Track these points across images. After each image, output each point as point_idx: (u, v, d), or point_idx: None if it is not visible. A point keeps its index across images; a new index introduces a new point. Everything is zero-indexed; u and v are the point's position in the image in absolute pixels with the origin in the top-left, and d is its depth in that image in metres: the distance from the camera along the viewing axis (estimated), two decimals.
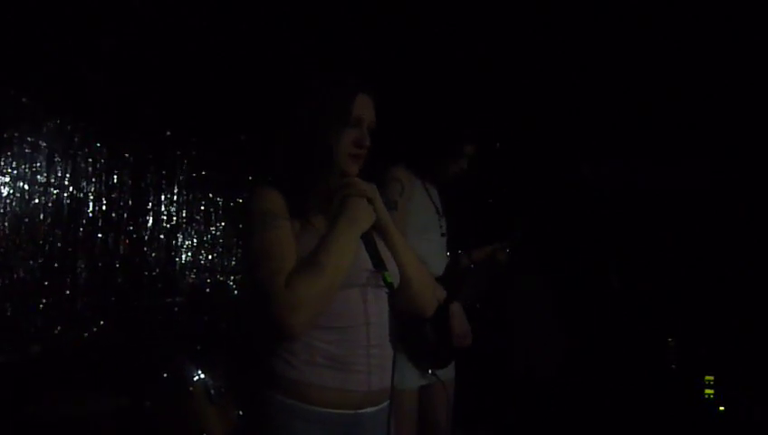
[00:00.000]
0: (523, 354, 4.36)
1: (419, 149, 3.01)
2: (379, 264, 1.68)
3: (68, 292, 3.53)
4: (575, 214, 3.38)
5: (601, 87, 4.00)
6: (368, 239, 1.71)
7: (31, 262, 3.42)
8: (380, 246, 1.75)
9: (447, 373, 2.95)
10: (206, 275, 4.01)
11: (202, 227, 4.03)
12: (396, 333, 1.72)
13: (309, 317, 1.56)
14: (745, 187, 3.73)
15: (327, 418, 1.61)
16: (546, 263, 3.97)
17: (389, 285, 1.66)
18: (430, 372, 2.82)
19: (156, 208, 3.87)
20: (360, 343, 1.64)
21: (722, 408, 3.43)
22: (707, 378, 3.48)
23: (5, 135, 3.31)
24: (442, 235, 3.03)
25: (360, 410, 1.65)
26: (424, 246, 2.81)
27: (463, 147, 2.97)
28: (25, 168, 3.40)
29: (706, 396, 3.46)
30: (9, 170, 3.32)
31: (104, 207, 3.68)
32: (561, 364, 4.18)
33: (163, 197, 3.90)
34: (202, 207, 4.04)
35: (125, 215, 3.75)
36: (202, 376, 2.97)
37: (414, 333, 2.76)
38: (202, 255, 4.02)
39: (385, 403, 1.71)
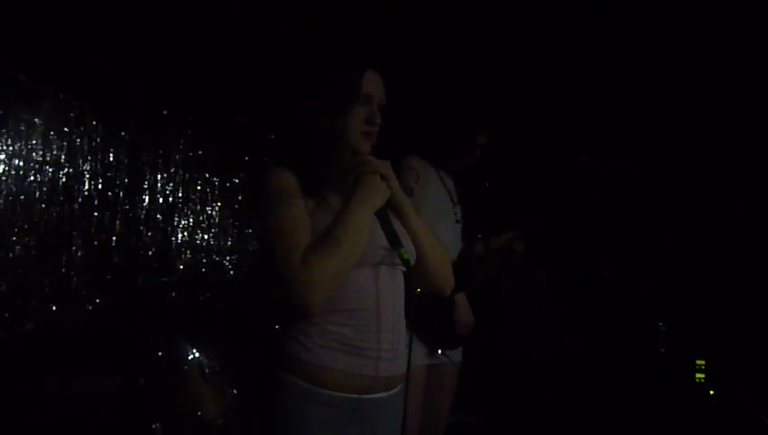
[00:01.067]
0: (517, 339, 4.37)
1: (433, 138, 3.03)
2: (394, 241, 1.68)
3: (63, 270, 3.53)
4: (576, 202, 3.38)
5: (601, 75, 4.00)
6: (382, 217, 1.71)
7: (26, 239, 3.41)
8: (396, 224, 1.75)
9: (456, 355, 3.01)
10: (203, 255, 4.00)
11: (198, 207, 4.02)
12: (411, 316, 1.72)
13: (326, 295, 1.56)
14: (742, 174, 3.73)
15: (334, 401, 1.62)
16: (545, 252, 3.98)
17: (406, 262, 1.65)
18: (440, 352, 2.87)
19: (152, 188, 3.85)
20: (371, 326, 1.64)
21: (712, 392, 3.44)
22: (699, 362, 3.49)
23: (1, 112, 3.29)
24: (457, 222, 3.08)
25: (366, 396, 1.65)
26: (439, 233, 2.81)
27: (475, 135, 3.00)
28: (21, 145, 3.38)
29: (697, 380, 3.48)
30: (4, 148, 3.31)
31: (100, 186, 3.66)
32: (555, 349, 4.20)
33: (159, 176, 3.88)
34: (198, 187, 4.03)
35: (121, 194, 3.74)
36: (197, 355, 2.96)
37: (419, 314, 2.79)
38: (198, 235, 4.02)
39: (396, 389, 1.72)
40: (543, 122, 4.15)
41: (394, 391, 1.71)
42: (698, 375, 3.44)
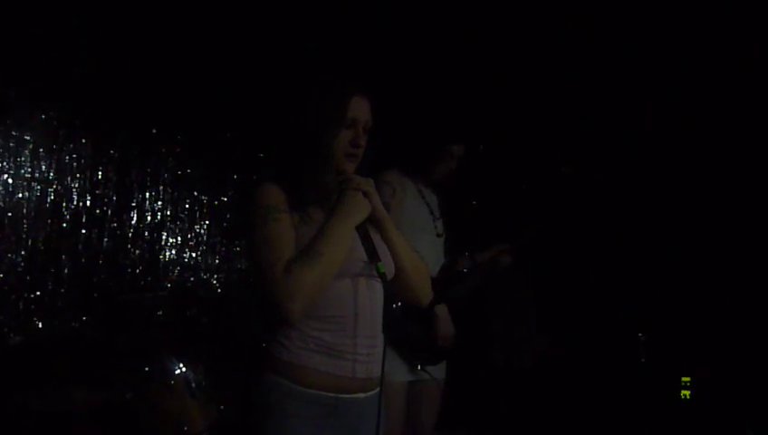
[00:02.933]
0: (501, 347, 4.37)
1: (408, 150, 3.06)
2: (372, 255, 1.77)
3: (50, 286, 3.53)
4: (561, 214, 3.41)
5: (586, 87, 4.03)
6: (363, 231, 1.80)
7: (14, 256, 3.42)
8: (376, 238, 1.85)
9: (438, 373, 3.00)
10: (190, 273, 4.01)
11: (186, 225, 4.03)
12: (388, 325, 1.80)
13: (305, 303, 1.67)
14: (728, 187, 3.75)
15: (313, 398, 1.72)
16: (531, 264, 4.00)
17: (382, 275, 1.74)
18: (420, 367, 2.88)
19: (140, 205, 3.87)
20: (348, 332, 1.75)
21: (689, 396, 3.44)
22: (684, 379, 3.49)
23: None
24: (438, 235, 3.08)
25: (344, 395, 1.75)
26: (418, 247, 2.80)
27: (449, 147, 3.03)
28: (10, 162, 3.42)
29: (683, 397, 3.47)
30: None
31: (88, 203, 3.68)
32: (539, 357, 4.20)
33: (148, 194, 3.91)
34: (186, 205, 4.04)
35: (109, 211, 3.76)
36: (183, 370, 2.96)
37: (399, 329, 2.81)
38: (186, 253, 4.02)
39: (373, 392, 1.81)
40: (527, 135, 4.17)
41: (372, 392, 1.80)
42: (684, 392, 3.43)
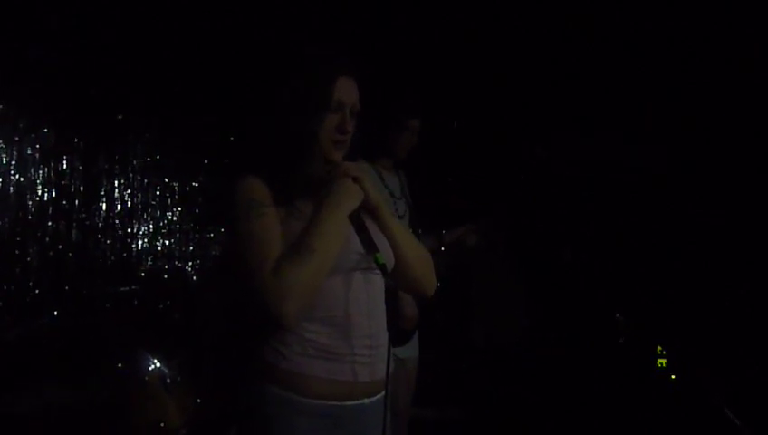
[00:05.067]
0: (483, 326, 4.40)
1: (367, 130, 3.00)
2: (369, 245, 1.62)
3: (17, 281, 3.46)
4: (533, 192, 3.40)
5: (559, 68, 4.01)
6: (357, 220, 1.65)
7: None
8: (372, 228, 1.69)
9: (411, 351, 3.02)
10: (164, 261, 3.93)
11: (158, 213, 3.93)
12: (393, 321, 1.66)
13: (300, 304, 1.53)
14: (697, 171, 3.79)
15: (317, 409, 1.60)
16: (509, 240, 4.01)
17: (382, 267, 1.60)
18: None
19: (109, 194, 3.77)
20: (343, 333, 1.62)
21: (673, 377, 3.47)
22: (659, 349, 3.52)
23: None
24: (399, 217, 3.04)
25: (348, 402, 1.64)
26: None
27: (405, 120, 3.00)
28: None
29: (659, 366, 3.50)
30: None
31: (54, 195, 3.58)
32: (520, 336, 4.24)
33: (116, 182, 3.79)
34: (157, 192, 3.94)
35: (76, 202, 3.65)
36: (157, 365, 2.92)
37: None
38: (158, 241, 3.94)
39: (379, 395, 1.69)
40: (499, 114, 4.13)
41: (377, 396, 1.69)
42: (660, 361, 3.46)
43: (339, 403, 1.62)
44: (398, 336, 2.91)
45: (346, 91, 1.68)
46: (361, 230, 1.64)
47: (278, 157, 1.68)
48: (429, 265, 1.86)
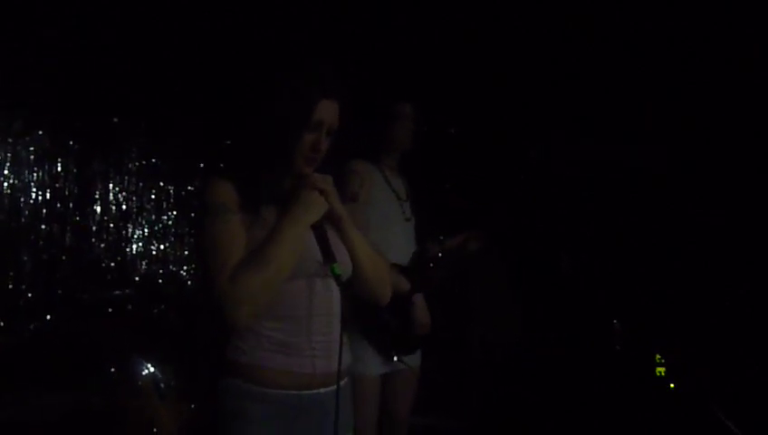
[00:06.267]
0: (479, 329, 4.37)
1: (358, 124, 2.98)
2: (327, 255, 1.72)
3: (11, 286, 3.41)
4: (529, 196, 3.38)
5: (558, 68, 3.99)
6: (318, 230, 1.75)
7: None
8: (333, 238, 1.79)
9: (414, 361, 2.95)
10: (158, 266, 3.89)
11: (152, 217, 3.90)
12: (353, 321, 1.81)
13: (251, 310, 1.63)
14: (698, 173, 3.77)
15: (277, 398, 1.69)
16: (504, 246, 3.98)
17: (337, 278, 1.69)
18: (396, 358, 2.83)
19: (103, 198, 3.73)
20: (303, 331, 1.72)
21: (672, 385, 3.46)
22: (657, 357, 3.51)
23: None
24: (406, 220, 3.02)
25: (307, 392, 1.72)
26: (389, 236, 2.83)
27: (395, 107, 2.95)
28: None
29: (657, 374, 3.49)
30: None
31: (48, 197, 3.54)
32: (517, 342, 4.21)
33: (111, 185, 3.76)
34: (152, 196, 3.91)
35: (71, 205, 3.62)
36: (152, 370, 2.95)
37: (374, 321, 2.76)
38: (153, 245, 3.90)
39: (334, 386, 1.75)
40: (499, 114, 4.12)
41: (331, 388, 1.75)
42: (658, 369, 3.44)
43: (297, 392, 1.71)
44: (410, 343, 2.91)
45: (327, 112, 1.75)
46: (322, 240, 1.73)
47: (251, 165, 1.76)
48: (385, 277, 1.96)
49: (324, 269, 1.72)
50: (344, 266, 1.76)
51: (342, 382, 1.76)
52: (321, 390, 1.74)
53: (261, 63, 3.70)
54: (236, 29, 3.81)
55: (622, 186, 3.86)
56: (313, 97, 1.73)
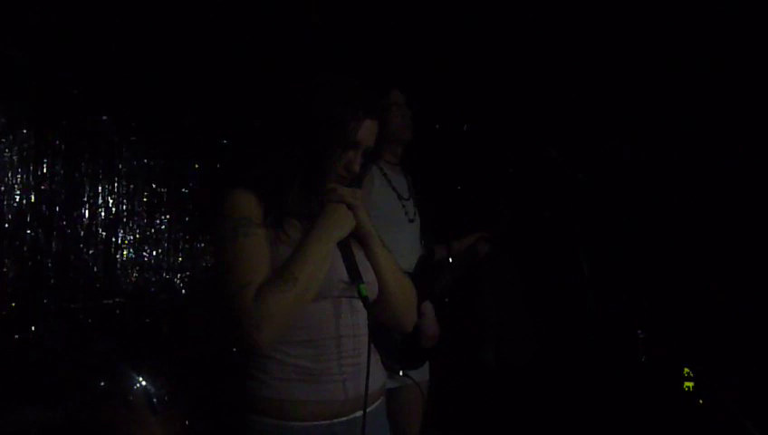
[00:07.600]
0: (495, 347, 4.25)
1: None
2: (354, 275, 1.65)
3: None
4: (546, 198, 3.26)
5: (580, 67, 3.91)
6: (345, 248, 1.68)
7: None
8: (359, 255, 1.73)
9: (421, 375, 2.86)
10: (150, 273, 3.74)
11: (145, 221, 3.75)
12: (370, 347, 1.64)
13: (275, 332, 1.54)
14: (727, 175, 3.67)
15: (303, 431, 1.60)
16: (518, 251, 3.86)
17: (364, 299, 1.62)
18: (401, 373, 2.74)
19: (92, 201, 3.59)
20: (331, 356, 1.63)
21: (701, 401, 3.34)
22: (686, 371, 3.39)
23: None
24: (410, 220, 2.91)
25: (338, 419, 1.64)
26: (392, 237, 2.67)
27: (384, 92, 2.86)
28: None
29: (686, 389, 3.37)
30: None
31: (33, 200, 3.39)
32: (533, 357, 4.08)
33: (100, 188, 3.61)
34: (144, 199, 3.76)
35: (57, 208, 3.47)
36: (143, 384, 2.83)
37: (380, 334, 2.62)
38: (145, 251, 3.75)
39: (372, 406, 1.70)
40: (510, 115, 4.02)
41: (370, 408, 1.67)
42: (687, 383, 3.31)
43: (328, 422, 1.62)
44: (417, 356, 2.83)
45: (367, 133, 1.70)
46: (348, 258, 1.67)
47: (280, 178, 1.67)
48: (413, 300, 1.86)
49: (351, 289, 1.65)
50: (371, 287, 1.69)
51: (377, 402, 1.72)
52: (358, 414, 1.64)
53: (261, 64, 3.71)
54: (235, 28, 3.70)
55: (649, 188, 3.77)
56: (358, 116, 1.67)
